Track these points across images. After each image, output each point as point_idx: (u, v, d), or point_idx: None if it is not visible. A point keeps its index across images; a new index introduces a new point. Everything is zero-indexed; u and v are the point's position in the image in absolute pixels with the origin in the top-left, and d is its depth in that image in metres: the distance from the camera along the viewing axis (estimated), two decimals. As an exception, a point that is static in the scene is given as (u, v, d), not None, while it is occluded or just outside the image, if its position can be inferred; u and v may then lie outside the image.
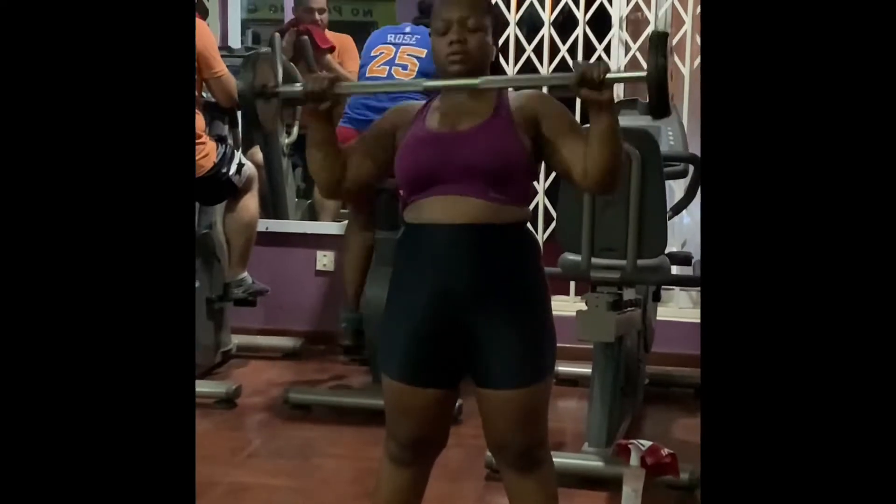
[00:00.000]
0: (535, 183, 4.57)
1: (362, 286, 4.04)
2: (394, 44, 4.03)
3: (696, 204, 4.14)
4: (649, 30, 4.67)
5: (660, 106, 2.05)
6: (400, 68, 3.95)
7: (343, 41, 5.25)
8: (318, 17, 5.24)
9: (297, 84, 2.28)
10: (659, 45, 2.02)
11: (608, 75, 2.00)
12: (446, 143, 2.12)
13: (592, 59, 4.62)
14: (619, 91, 4.70)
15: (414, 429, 2.21)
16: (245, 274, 4.41)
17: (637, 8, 4.71)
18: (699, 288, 4.31)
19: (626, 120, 3.84)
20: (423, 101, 2.25)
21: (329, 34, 5.24)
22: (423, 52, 3.92)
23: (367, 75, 4.04)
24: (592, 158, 2.06)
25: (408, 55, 3.97)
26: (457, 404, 3.39)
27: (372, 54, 4.05)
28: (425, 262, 2.12)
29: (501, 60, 4.72)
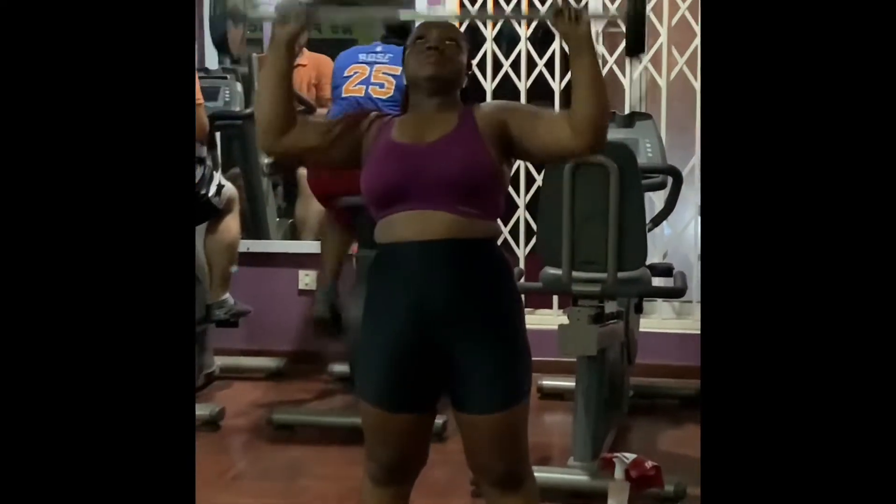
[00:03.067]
0: (514, 196, 4.61)
1: (340, 269, 4.07)
2: (367, 62, 4.03)
3: (676, 215, 4.16)
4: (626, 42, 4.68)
5: (636, 44, 2.09)
6: (377, 87, 3.95)
7: (320, 65, 5.16)
8: None
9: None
10: None
11: (586, 14, 2.04)
12: (414, 155, 2.11)
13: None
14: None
15: (393, 452, 2.20)
16: (227, 295, 4.40)
17: (614, 22, 4.73)
18: (681, 299, 4.31)
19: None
20: (393, 115, 2.26)
21: (307, 55, 5.21)
22: (398, 70, 3.91)
23: (343, 96, 4.03)
24: (578, 106, 2.05)
25: (383, 73, 3.97)
26: (441, 421, 3.39)
27: (345, 74, 4.05)
28: (399, 282, 2.10)
29: (479, 77, 4.73)
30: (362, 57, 4.06)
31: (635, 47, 2.08)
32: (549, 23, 2.06)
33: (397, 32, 4.04)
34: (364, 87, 3.97)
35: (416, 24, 2.27)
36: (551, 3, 2.08)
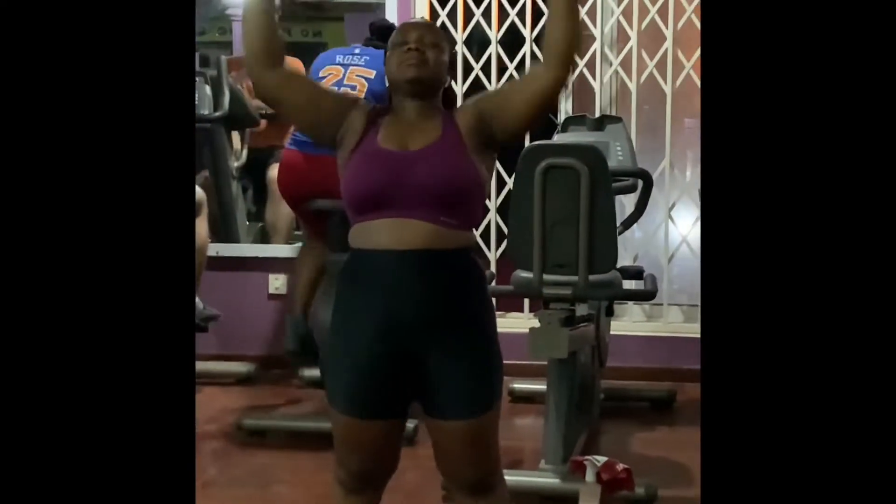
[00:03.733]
0: (486, 201, 4.61)
1: (311, 300, 4.03)
2: (342, 64, 4.01)
3: (646, 218, 4.17)
4: (596, 45, 4.70)
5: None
6: (349, 89, 3.93)
7: (293, 66, 5.14)
8: None
9: None
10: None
11: None
12: (398, 162, 2.09)
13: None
14: (568, 108, 4.73)
15: (363, 459, 2.18)
16: (196, 300, 4.37)
17: (583, 25, 4.74)
18: (651, 301, 4.33)
19: (575, 136, 3.87)
20: (384, 107, 2.22)
21: None
22: (373, 73, 3.90)
23: (315, 97, 4.01)
24: (555, 30, 2.10)
25: (356, 76, 3.96)
26: (413, 426, 3.38)
27: (320, 75, 4.03)
28: (372, 290, 2.08)
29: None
30: (339, 58, 4.04)
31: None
32: None
33: (380, 36, 4.04)
34: (336, 88, 3.96)
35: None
36: None
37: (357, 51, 4.07)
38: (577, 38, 2.13)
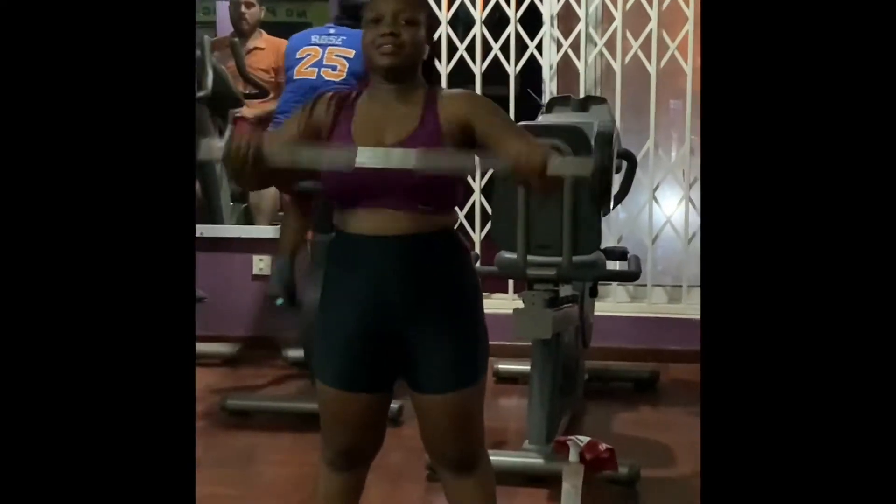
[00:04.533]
0: (470, 181, 4.60)
1: (297, 247, 4.01)
2: (320, 45, 3.99)
3: (630, 199, 4.17)
4: (581, 26, 4.69)
5: (603, 199, 2.08)
6: (329, 69, 3.92)
7: (279, 49, 5.00)
8: (244, 10, 5.14)
9: (219, 145, 2.09)
10: (603, 145, 2.04)
11: (551, 168, 1.92)
12: None
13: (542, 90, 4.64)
14: (553, 89, 4.73)
15: (350, 434, 2.19)
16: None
17: (567, 5, 4.73)
18: (635, 282, 4.34)
19: (559, 117, 3.86)
20: (352, 91, 2.19)
21: (266, 38, 5.15)
22: (352, 53, 3.88)
23: (294, 78, 4.00)
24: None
25: (336, 55, 3.94)
26: (397, 406, 3.38)
27: (297, 56, 4.01)
28: (357, 273, 2.10)
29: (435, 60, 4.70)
30: (315, 39, 4.02)
31: (602, 201, 2.10)
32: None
33: (350, 14, 4.01)
34: (316, 69, 3.94)
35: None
36: (517, 154, 1.97)
37: (332, 30, 4.04)
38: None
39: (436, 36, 4.47)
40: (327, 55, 3.95)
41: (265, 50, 5.11)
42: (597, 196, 2.09)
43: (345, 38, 3.96)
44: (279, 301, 4.00)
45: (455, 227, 2.18)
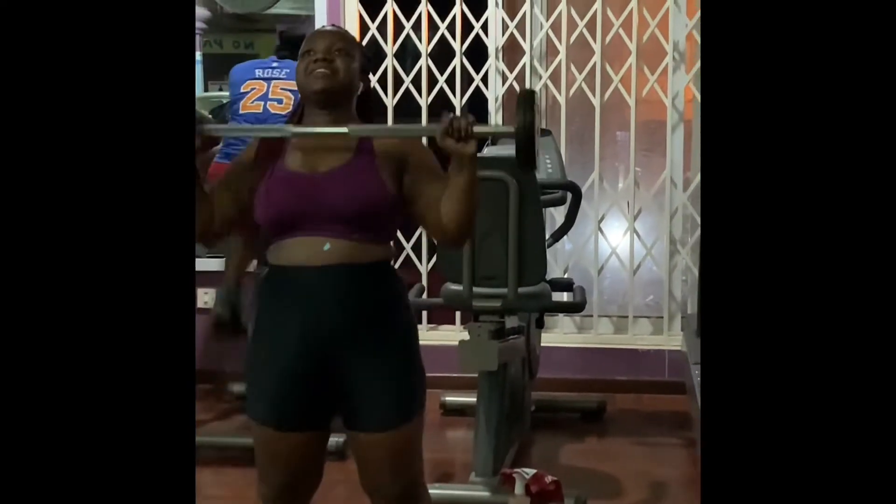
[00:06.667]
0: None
1: (242, 274, 4.02)
2: (264, 79, 3.99)
3: (576, 230, 4.20)
4: (526, 59, 4.73)
5: (527, 159, 2.09)
6: (275, 102, 3.92)
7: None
8: None
9: None
10: (527, 103, 2.06)
11: (475, 128, 2.02)
12: (306, 186, 2.08)
13: (463, 102, 4.67)
14: (499, 120, 4.76)
15: (285, 473, 2.16)
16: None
17: (512, 38, 4.77)
18: (581, 313, 4.36)
19: (504, 149, 3.88)
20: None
21: None
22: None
23: (240, 112, 3.99)
24: (448, 213, 2.08)
25: (281, 89, 3.94)
26: (342, 440, 3.35)
27: (242, 90, 4.00)
28: (290, 305, 2.08)
29: (381, 92, 4.72)
30: (259, 73, 4.02)
31: (526, 160, 2.10)
32: (437, 139, 2.03)
33: (292, 46, 4.02)
34: (262, 103, 3.93)
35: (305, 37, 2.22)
36: (441, 121, 2.04)
37: (275, 63, 4.05)
38: (471, 220, 2.12)
39: (381, 69, 4.51)
40: (272, 89, 3.95)
41: None
42: (521, 157, 2.10)
43: (288, 70, 3.96)
44: (223, 323, 4.00)
45: (391, 260, 2.18)
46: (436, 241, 2.17)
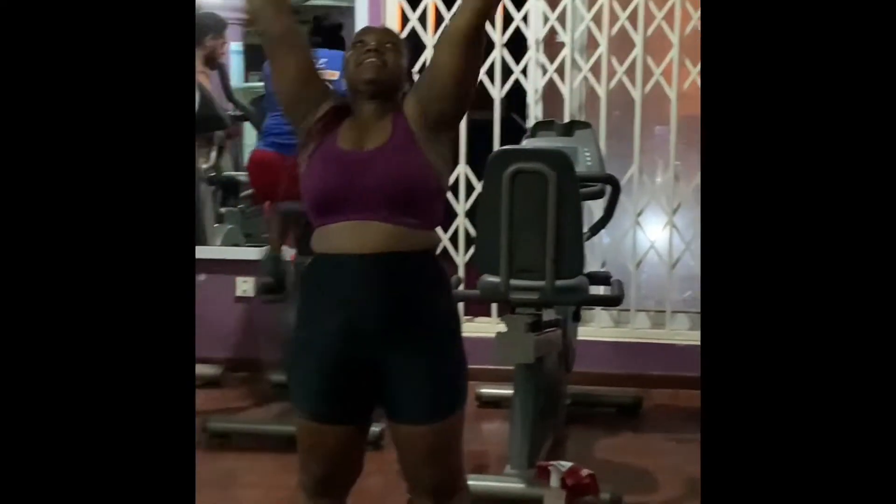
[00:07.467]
0: (454, 204, 4.60)
1: (285, 240, 4.12)
2: None
3: (614, 224, 4.18)
4: (566, 51, 4.71)
5: None
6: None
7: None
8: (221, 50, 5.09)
9: None
10: None
11: None
12: (352, 164, 2.09)
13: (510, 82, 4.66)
14: (537, 113, 4.74)
15: (326, 464, 2.17)
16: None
17: (553, 30, 4.75)
18: (618, 307, 4.34)
19: (543, 141, 3.87)
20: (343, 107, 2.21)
21: None
22: (336, 74, 3.87)
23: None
24: None
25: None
26: (378, 430, 3.37)
27: None
28: (333, 296, 2.08)
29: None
30: None
31: None
32: None
33: (323, 34, 4.04)
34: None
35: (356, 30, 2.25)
36: None
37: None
38: None
39: (420, 61, 4.51)
40: None
41: None
42: None
43: (326, 60, 3.97)
44: (268, 290, 4.05)
45: (436, 250, 2.18)
46: (469, 26, 2.04)
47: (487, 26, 2.07)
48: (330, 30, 4.12)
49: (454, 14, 2.11)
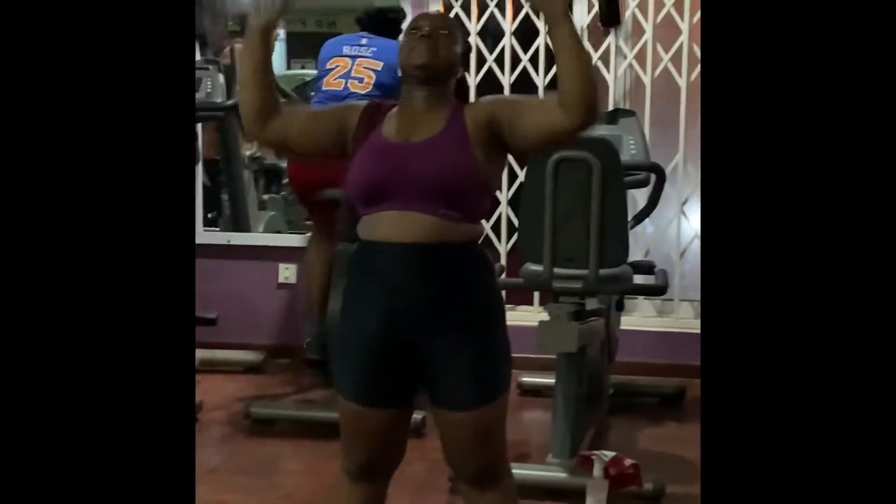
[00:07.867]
0: (497, 192, 4.59)
1: (326, 299, 3.97)
2: (350, 56, 4.00)
3: (658, 213, 4.14)
4: (611, 38, 4.67)
5: (610, 14, 2.06)
6: (356, 81, 3.92)
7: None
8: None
9: None
10: None
11: None
12: (399, 155, 2.08)
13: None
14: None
15: (369, 448, 2.18)
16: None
17: (598, 17, 4.71)
18: (662, 297, 4.31)
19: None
20: (381, 103, 2.23)
21: None
22: (380, 65, 3.89)
23: (323, 88, 4.01)
24: (564, 81, 1.97)
25: (364, 68, 3.95)
26: (420, 417, 3.37)
27: (327, 67, 4.02)
28: (376, 282, 2.08)
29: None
30: (346, 49, 4.03)
31: (609, 18, 2.05)
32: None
33: (368, 24, 4.04)
34: (344, 80, 3.95)
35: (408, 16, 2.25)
36: None
37: (364, 41, 4.05)
38: (591, 80, 1.98)
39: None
40: (356, 67, 3.96)
41: None
42: (604, 12, 2.07)
43: (375, 49, 3.97)
44: (314, 362, 4.02)
45: (480, 241, 2.17)
46: (565, 131, 2.00)
47: (530, 12, 2.07)
48: (378, 16, 4.12)
49: (557, 107, 1.99)
